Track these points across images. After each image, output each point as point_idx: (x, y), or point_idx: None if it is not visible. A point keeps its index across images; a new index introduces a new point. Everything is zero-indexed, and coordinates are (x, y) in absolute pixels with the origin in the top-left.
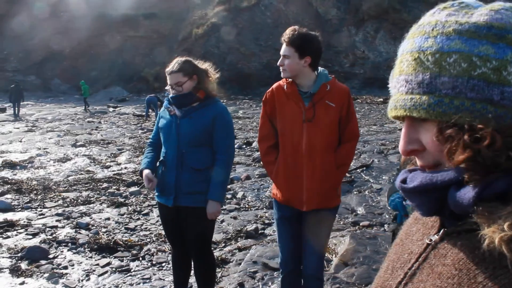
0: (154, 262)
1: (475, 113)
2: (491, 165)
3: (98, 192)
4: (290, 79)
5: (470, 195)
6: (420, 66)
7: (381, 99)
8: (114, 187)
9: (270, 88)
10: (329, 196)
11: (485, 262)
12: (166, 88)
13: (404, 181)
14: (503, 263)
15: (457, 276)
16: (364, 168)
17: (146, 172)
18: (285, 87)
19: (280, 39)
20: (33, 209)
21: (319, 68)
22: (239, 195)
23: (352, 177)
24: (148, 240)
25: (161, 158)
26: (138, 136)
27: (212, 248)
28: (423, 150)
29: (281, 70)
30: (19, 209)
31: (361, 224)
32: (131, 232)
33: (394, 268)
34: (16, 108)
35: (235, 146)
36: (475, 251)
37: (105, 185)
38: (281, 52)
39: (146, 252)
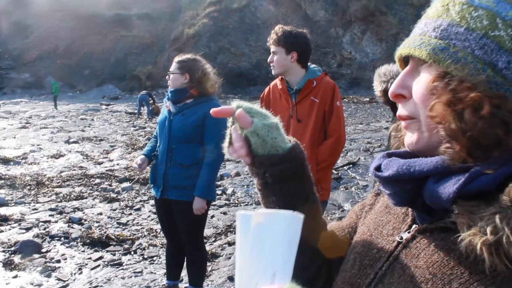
0: (145, 256)
1: (472, 71)
2: (474, 138)
3: (91, 187)
4: (282, 77)
5: (450, 190)
6: (444, 13)
7: (367, 99)
8: (107, 183)
9: (268, 86)
10: None
11: (460, 266)
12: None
13: (378, 167)
14: (479, 268)
15: (431, 281)
16: (351, 165)
17: (141, 157)
18: (278, 84)
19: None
20: (26, 204)
21: (311, 65)
22: (229, 191)
23: (339, 174)
24: (140, 234)
25: (155, 151)
26: (130, 133)
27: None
28: (409, 98)
29: (271, 67)
30: (13, 204)
31: None
32: (123, 227)
33: (362, 265)
34: None
35: None
36: (450, 253)
37: (97, 180)
38: (271, 50)
39: (137, 246)
